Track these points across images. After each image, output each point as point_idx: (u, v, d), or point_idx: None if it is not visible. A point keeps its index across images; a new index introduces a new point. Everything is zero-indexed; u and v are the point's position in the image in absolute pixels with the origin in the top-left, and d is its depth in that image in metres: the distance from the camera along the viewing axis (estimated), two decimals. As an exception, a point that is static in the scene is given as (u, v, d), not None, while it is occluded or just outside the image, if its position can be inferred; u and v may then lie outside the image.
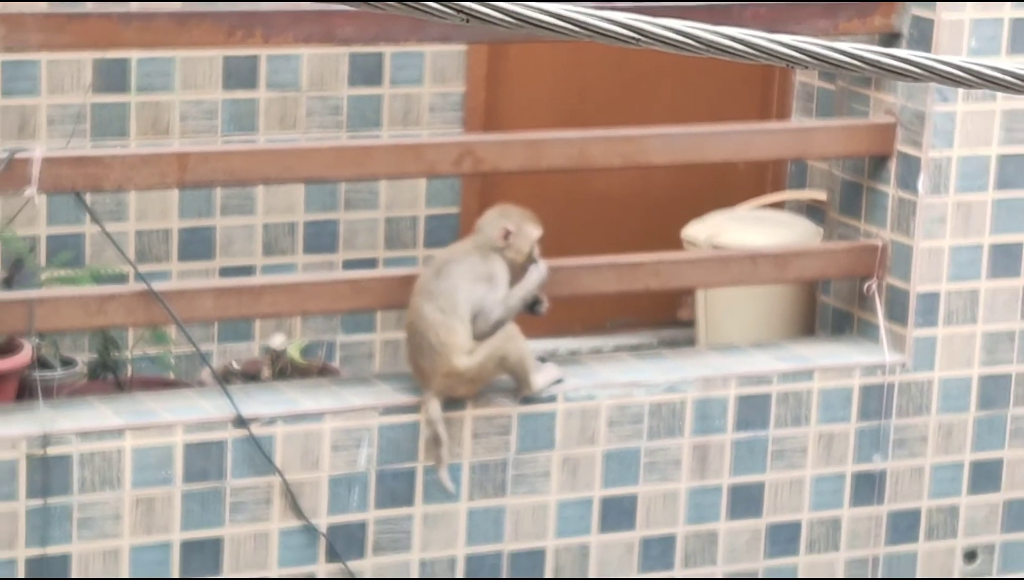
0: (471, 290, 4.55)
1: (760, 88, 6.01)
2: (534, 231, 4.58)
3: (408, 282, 4.62)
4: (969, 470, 5.12)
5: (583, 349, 5.39)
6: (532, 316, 4.67)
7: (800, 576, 5.08)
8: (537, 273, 4.63)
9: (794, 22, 4.92)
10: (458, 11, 1.90)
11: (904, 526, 5.06)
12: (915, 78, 2.03)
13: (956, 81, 2.04)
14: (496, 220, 4.63)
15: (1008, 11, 4.81)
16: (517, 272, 4.65)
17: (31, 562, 4.31)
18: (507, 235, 4.55)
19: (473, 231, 4.75)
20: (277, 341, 5.05)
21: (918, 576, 5.25)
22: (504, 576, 4.75)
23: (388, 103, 5.54)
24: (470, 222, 5.11)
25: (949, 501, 5.10)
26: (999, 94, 4.83)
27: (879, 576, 5.20)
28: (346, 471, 4.57)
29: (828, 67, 2.00)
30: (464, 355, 4.47)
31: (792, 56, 1.95)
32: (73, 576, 4.39)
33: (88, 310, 4.51)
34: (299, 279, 5.19)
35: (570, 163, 4.81)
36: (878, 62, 2.02)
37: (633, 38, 1.93)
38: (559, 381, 4.72)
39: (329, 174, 4.88)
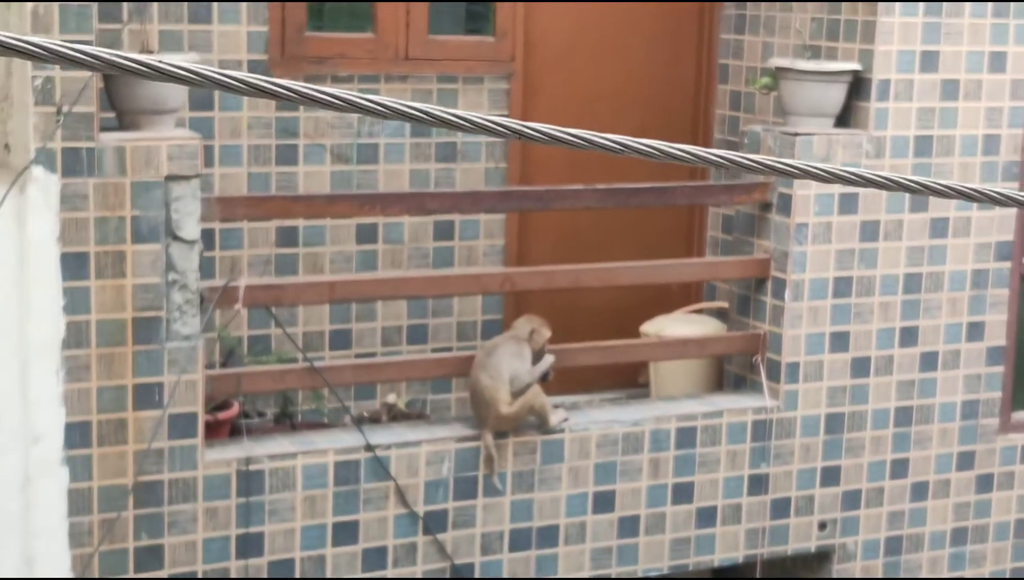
0: (509, 365, 5.40)
1: (686, 238, 6.93)
2: (547, 332, 5.52)
3: (470, 360, 5.50)
4: (820, 472, 6.01)
5: (580, 401, 6.04)
6: (544, 383, 5.52)
7: (716, 541, 5.82)
8: (549, 360, 5.51)
9: (706, 196, 6.14)
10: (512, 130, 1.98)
11: (781, 508, 5.95)
12: (793, 176, 2.29)
13: (807, 175, 2.29)
14: (525, 324, 5.54)
15: (837, 188, 5.79)
16: (535, 355, 5.53)
17: (239, 538, 5.09)
18: (532, 333, 5.50)
19: (510, 329, 5.66)
20: (391, 398, 5.92)
21: (790, 541, 5.98)
22: (532, 545, 5.49)
23: (457, 251, 6.44)
24: (508, 323, 6.05)
25: (808, 492, 5.99)
26: (834, 241, 5.86)
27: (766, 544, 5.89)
28: (435, 477, 5.34)
29: (732, 166, 2.20)
30: (506, 406, 5.35)
31: (712, 159, 2.18)
32: (265, 548, 5.11)
33: (274, 380, 5.40)
34: (404, 359, 6.06)
35: (571, 285, 5.83)
36: (772, 165, 2.24)
37: (620, 149, 2.08)
38: (566, 420, 5.58)
39: (422, 293, 5.78)
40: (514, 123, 1.93)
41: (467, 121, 1.88)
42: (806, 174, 2.13)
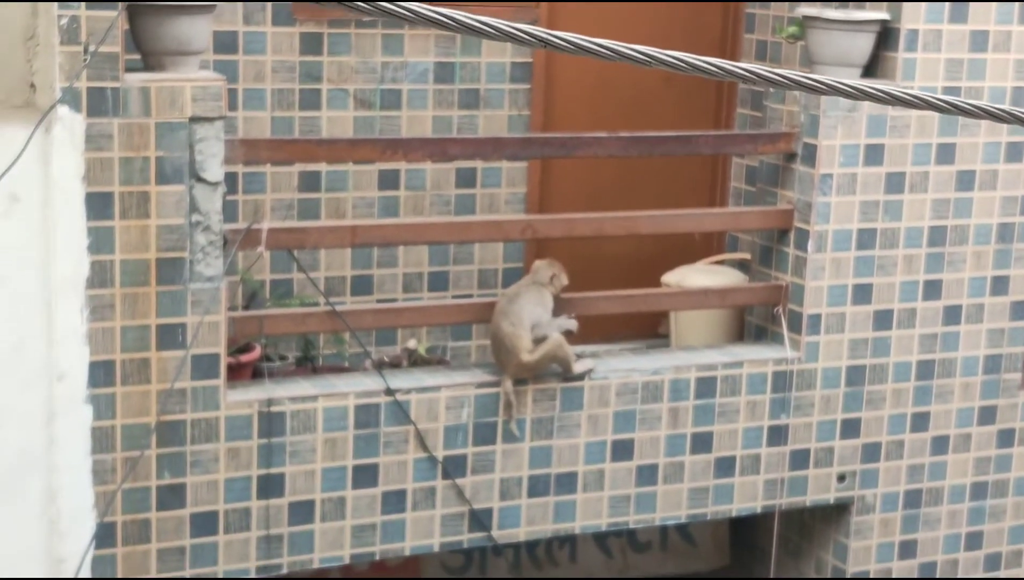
0: (531, 312, 5.42)
1: (709, 189, 6.95)
2: (566, 279, 5.53)
3: (491, 307, 5.52)
4: (840, 425, 6.03)
5: (600, 350, 6.01)
6: (569, 336, 5.53)
7: (735, 492, 5.85)
8: (569, 323, 5.48)
9: (730, 145, 6.08)
10: (533, 36, 2.00)
11: (800, 459, 5.97)
12: (822, 93, 2.33)
13: (835, 91, 2.32)
14: (546, 268, 5.53)
15: (863, 139, 5.82)
16: (555, 301, 5.54)
17: (260, 478, 5.15)
18: (552, 278, 5.51)
19: (531, 273, 5.61)
20: (411, 343, 5.95)
21: (808, 493, 5.98)
22: (551, 492, 5.52)
23: (479, 199, 6.49)
24: (528, 269, 6.04)
25: (828, 444, 6.02)
26: (858, 192, 5.86)
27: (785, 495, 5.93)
28: (455, 422, 5.38)
29: (769, 83, 2.25)
30: (527, 353, 5.37)
31: (739, 73, 2.19)
32: (286, 489, 5.16)
33: (295, 323, 5.38)
34: (425, 305, 6.11)
35: (592, 233, 5.81)
36: (800, 82, 2.28)
37: (647, 61, 2.08)
38: (591, 369, 5.58)
39: (444, 239, 5.82)
40: (539, 31, 1.93)
41: (492, 28, 1.92)
42: (834, 90, 2.13)
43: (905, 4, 5.87)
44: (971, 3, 5.97)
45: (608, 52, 1.98)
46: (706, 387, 5.84)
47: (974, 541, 6.52)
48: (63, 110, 4.69)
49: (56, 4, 4.62)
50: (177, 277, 4.93)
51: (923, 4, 5.91)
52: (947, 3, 5.94)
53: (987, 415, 6.40)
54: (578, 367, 5.57)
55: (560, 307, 5.61)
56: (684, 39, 6.75)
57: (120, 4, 4.69)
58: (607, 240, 6.23)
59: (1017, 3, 6.06)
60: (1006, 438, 6.48)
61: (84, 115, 4.73)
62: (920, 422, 6.26)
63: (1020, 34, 6.13)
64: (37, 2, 4.73)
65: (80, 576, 4.95)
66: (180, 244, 4.92)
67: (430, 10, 1.83)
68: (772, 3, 6.62)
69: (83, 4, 4.65)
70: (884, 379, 6.15)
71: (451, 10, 1.87)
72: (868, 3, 5.97)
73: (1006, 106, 2.41)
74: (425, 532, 5.47)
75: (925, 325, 6.20)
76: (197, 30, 4.98)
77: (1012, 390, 6.43)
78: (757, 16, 6.73)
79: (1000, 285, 6.31)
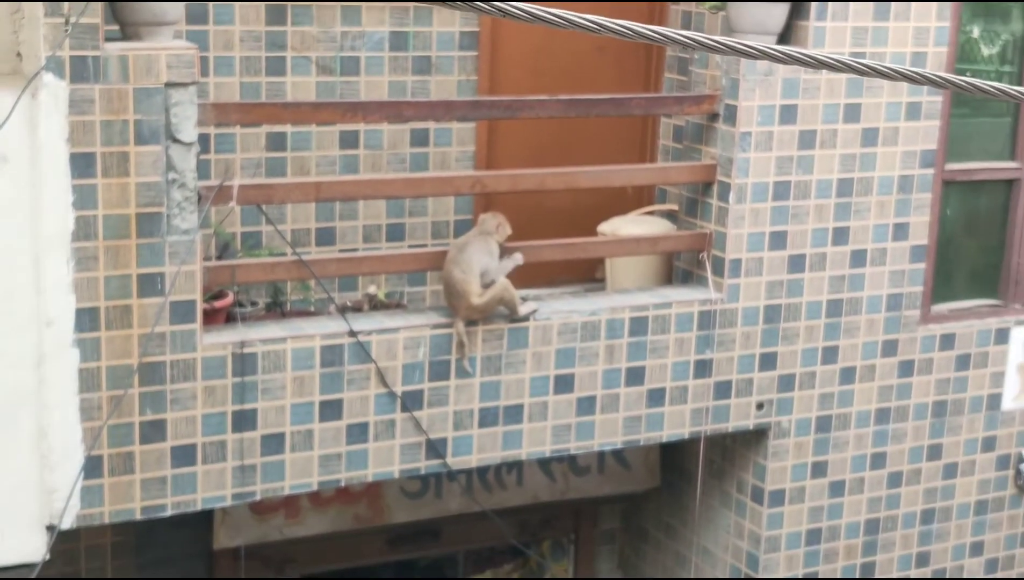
0: (480, 260, 5.45)
1: (640, 147, 7.00)
2: (508, 229, 5.56)
3: (443, 255, 5.53)
4: (759, 358, 6.10)
5: (543, 293, 6.02)
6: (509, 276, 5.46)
7: (665, 420, 5.86)
8: (517, 258, 5.56)
9: (659, 106, 6.09)
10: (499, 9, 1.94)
11: (723, 390, 6.07)
12: (753, 57, 2.36)
13: (765, 56, 2.34)
14: (491, 219, 5.56)
15: (779, 100, 5.89)
16: (501, 250, 5.57)
17: (234, 414, 5.17)
18: (497, 227, 5.53)
19: (477, 224, 5.62)
20: (372, 289, 5.98)
21: (731, 420, 6.04)
22: (500, 422, 5.52)
23: (432, 157, 6.48)
24: (476, 221, 5.89)
25: (748, 375, 6.12)
26: (774, 149, 5.90)
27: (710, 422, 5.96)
28: (412, 360, 5.40)
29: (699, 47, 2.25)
30: (477, 297, 5.40)
31: (678, 39, 2.22)
32: (258, 423, 5.16)
33: (265, 272, 5.41)
34: (384, 253, 6.12)
35: (535, 187, 5.85)
36: (732, 47, 2.30)
37: (596, 28, 2.09)
38: (535, 311, 5.63)
39: (400, 193, 5.77)
40: (498, 2, 1.95)
41: None
42: (764, 55, 2.18)
43: (816, -23, 5.91)
44: (875, -25, 6.05)
45: (562, 21, 2.02)
46: (639, 326, 5.88)
47: (879, 461, 6.64)
48: (48, 77, 4.69)
49: (39, -22, 4.62)
50: (155, 230, 4.94)
51: (832, -24, 5.93)
52: (853, -25, 6.01)
53: (889, 348, 6.50)
54: (523, 309, 5.61)
55: (506, 255, 5.65)
56: (612, 10, 6.78)
57: (100, -22, 4.68)
58: (548, 194, 6.28)
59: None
60: (906, 369, 6.60)
61: (67, 82, 4.73)
62: (830, 355, 6.34)
63: (918, 5, 6.21)
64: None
65: (69, 504, 4.97)
66: (158, 200, 4.92)
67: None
68: (696, -24, 6.69)
69: (65, -22, 4.64)
70: (798, 317, 6.22)
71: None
72: (783, -24, 6.05)
73: (917, 69, 2.49)
74: (386, 460, 5.50)
75: (834, 268, 6.26)
76: (171, 3, 4.97)
77: (912, 326, 6.54)
78: (682, -12, 6.78)
79: (901, 231, 6.40)
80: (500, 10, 1.93)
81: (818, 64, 2.47)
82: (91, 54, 4.76)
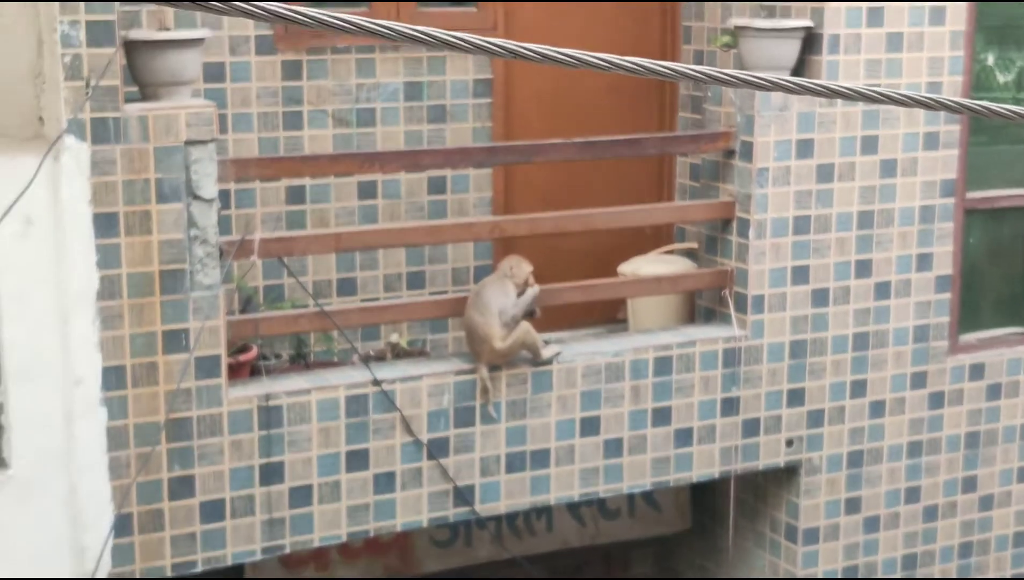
0: (496, 301, 5.45)
1: (657, 186, 6.99)
2: (527, 267, 5.56)
3: (464, 301, 5.55)
4: (786, 394, 6.10)
5: (565, 336, 6.07)
6: (532, 318, 5.54)
7: (694, 459, 5.85)
8: (532, 291, 5.54)
9: (674, 145, 6.13)
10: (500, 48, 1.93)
11: (751, 428, 6.05)
12: (766, 88, 2.30)
13: (777, 87, 2.30)
14: (505, 262, 5.60)
15: (795, 134, 5.93)
16: (519, 289, 5.55)
17: (262, 467, 5.20)
18: (511, 268, 5.54)
19: (496, 270, 5.71)
20: (394, 337, 6.01)
21: (761, 458, 6.01)
22: (527, 467, 5.53)
23: (450, 204, 6.52)
24: (496, 266, 5.93)
25: (776, 412, 6.08)
26: (792, 183, 5.93)
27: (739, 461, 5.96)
28: (437, 407, 5.42)
29: (712, 81, 2.25)
30: (500, 340, 5.41)
31: (691, 74, 2.20)
32: (285, 476, 5.17)
33: (288, 324, 5.42)
34: (405, 301, 6.03)
35: (554, 230, 5.88)
36: (748, 80, 2.29)
37: (607, 66, 2.05)
38: (559, 354, 5.63)
39: (420, 241, 5.89)
40: (510, 43, 1.97)
41: (466, 43, 1.88)
42: (776, 86, 2.19)
43: (827, 10, 5.96)
44: (886, 4, 6.05)
45: (572, 60, 2.02)
46: (663, 366, 5.89)
47: (913, 495, 6.60)
48: (69, 140, 4.77)
49: (59, 43, 4.70)
50: (179, 287, 4.99)
51: (843, 9, 5.99)
52: (865, 5, 6.01)
53: (918, 380, 6.48)
54: (546, 352, 5.62)
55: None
56: (627, 51, 6.73)
57: (118, 41, 4.76)
58: (567, 236, 6.27)
59: (927, 3, 6.17)
60: (936, 400, 6.56)
61: (89, 143, 4.81)
62: (858, 389, 6.32)
63: (931, 34, 6.24)
64: (42, 42, 4.79)
65: (101, 563, 4.99)
66: (180, 257, 4.97)
67: (410, 28, 1.90)
68: (707, 16, 6.69)
69: (84, 42, 4.72)
70: (824, 351, 6.20)
71: (431, 29, 1.92)
72: (794, 9, 6.06)
73: (933, 95, 2.50)
74: (414, 509, 5.51)
75: (858, 301, 6.25)
76: (188, 62, 5.05)
77: (940, 356, 6.52)
78: (693, 28, 6.81)
79: (924, 261, 6.39)
80: (511, 52, 1.96)
81: (832, 94, 2.49)
82: (111, 115, 4.84)
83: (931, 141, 6.32)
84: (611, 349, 5.82)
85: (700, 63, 6.75)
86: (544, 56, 2.08)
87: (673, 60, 6.72)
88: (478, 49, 1.96)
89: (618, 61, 2.22)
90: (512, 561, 6.49)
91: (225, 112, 6.01)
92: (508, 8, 6.63)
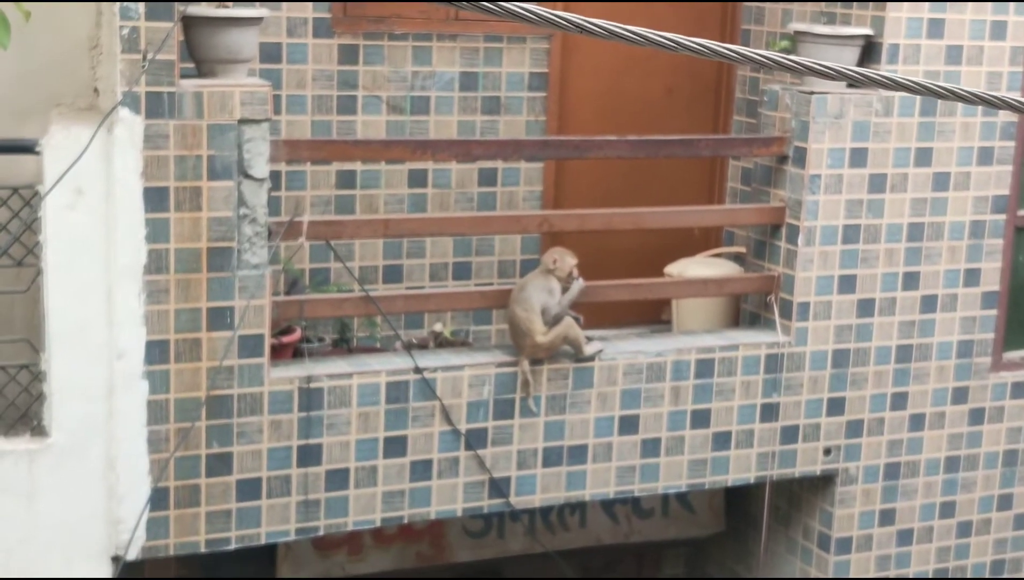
0: (539, 298, 5.40)
1: (708, 188, 6.93)
2: (571, 260, 5.46)
3: (507, 293, 5.52)
4: (826, 403, 6.03)
5: (609, 334, 5.97)
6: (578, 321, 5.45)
7: (730, 463, 5.80)
8: (577, 285, 5.45)
9: (727, 148, 6.05)
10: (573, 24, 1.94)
11: (790, 434, 5.97)
12: (831, 77, 2.32)
13: (842, 76, 2.31)
14: (548, 255, 5.51)
15: (849, 143, 5.83)
16: (564, 281, 5.46)
17: (299, 448, 5.16)
18: (554, 262, 5.45)
19: (540, 261, 5.60)
20: (438, 326, 6.01)
21: (797, 465, 5.94)
22: (563, 462, 5.48)
23: (500, 196, 6.46)
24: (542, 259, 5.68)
25: (815, 420, 6.02)
26: (844, 191, 5.83)
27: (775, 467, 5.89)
28: (477, 398, 5.40)
29: (773, 65, 2.22)
30: (542, 335, 5.37)
31: (754, 57, 2.21)
32: (323, 458, 5.14)
33: (333, 307, 5.36)
34: (450, 291, 6.06)
35: (602, 227, 5.85)
36: (808, 66, 2.32)
37: (673, 46, 2.08)
38: (601, 351, 5.58)
39: (468, 232, 5.90)
40: (577, 17, 1.91)
41: (532, 13, 1.80)
42: (841, 76, 2.12)
43: (887, 19, 5.87)
44: (947, 16, 5.95)
45: (638, 38, 1.97)
46: (705, 368, 5.84)
47: (947, 510, 6.52)
48: (124, 112, 4.73)
49: (118, 16, 4.66)
50: (226, 265, 4.95)
51: (904, 19, 5.90)
52: (926, 16, 5.93)
53: (960, 395, 6.40)
54: (588, 349, 5.58)
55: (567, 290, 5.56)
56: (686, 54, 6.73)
57: (176, 16, 4.72)
58: (615, 234, 6.24)
59: (989, 17, 6.06)
60: (977, 417, 6.48)
61: (143, 117, 4.77)
62: (899, 401, 6.25)
63: (991, 48, 6.14)
64: (100, 13, 4.75)
65: (135, 536, 4.97)
66: (229, 235, 4.94)
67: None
68: (766, 20, 6.61)
69: (142, 16, 4.68)
70: (866, 362, 6.14)
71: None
72: (854, 17, 5.97)
73: (995, 93, 2.42)
74: (449, 498, 5.48)
75: (904, 313, 6.18)
76: (246, 41, 5.01)
77: (982, 373, 6.43)
78: (752, 32, 6.72)
79: (972, 277, 6.31)
80: (578, 26, 1.89)
81: (897, 86, 2.43)
82: (167, 90, 4.80)
83: (985, 156, 6.22)
84: (654, 349, 5.78)
85: (758, 67, 6.62)
86: (610, 32, 2.02)
87: (731, 64, 6.66)
88: (544, 21, 1.93)
89: (683, 41, 2.17)
90: (544, 555, 6.44)
91: (280, 93, 5.98)
92: (567, 8, 6.54)
